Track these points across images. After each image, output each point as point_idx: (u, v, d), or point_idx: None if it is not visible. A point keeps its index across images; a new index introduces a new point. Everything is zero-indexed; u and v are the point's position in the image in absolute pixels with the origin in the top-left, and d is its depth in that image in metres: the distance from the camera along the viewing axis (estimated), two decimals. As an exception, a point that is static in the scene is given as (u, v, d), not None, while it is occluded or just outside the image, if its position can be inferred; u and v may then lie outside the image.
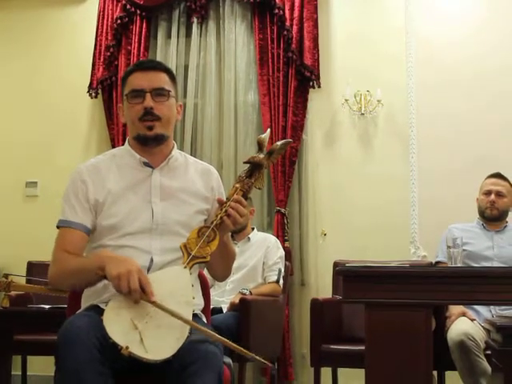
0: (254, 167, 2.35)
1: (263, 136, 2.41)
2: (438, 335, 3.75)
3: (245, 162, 2.38)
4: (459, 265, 3.23)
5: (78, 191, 2.40)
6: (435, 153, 5.27)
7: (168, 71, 2.50)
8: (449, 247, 3.28)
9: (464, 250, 3.53)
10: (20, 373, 4.93)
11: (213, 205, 2.47)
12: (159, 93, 2.42)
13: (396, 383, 2.87)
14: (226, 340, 2.07)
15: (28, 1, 6.24)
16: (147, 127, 2.39)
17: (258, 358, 2.08)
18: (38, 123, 6.06)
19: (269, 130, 2.61)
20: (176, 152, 2.52)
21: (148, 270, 2.30)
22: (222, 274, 2.59)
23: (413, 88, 5.37)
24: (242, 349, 2.07)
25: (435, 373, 3.88)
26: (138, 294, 2.06)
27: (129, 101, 2.42)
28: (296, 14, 5.50)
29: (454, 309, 4.00)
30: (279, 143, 2.43)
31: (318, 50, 5.50)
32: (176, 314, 2.03)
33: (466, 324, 3.86)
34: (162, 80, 2.45)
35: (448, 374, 4.02)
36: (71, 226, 2.37)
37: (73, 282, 2.34)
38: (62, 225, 2.39)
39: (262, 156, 2.36)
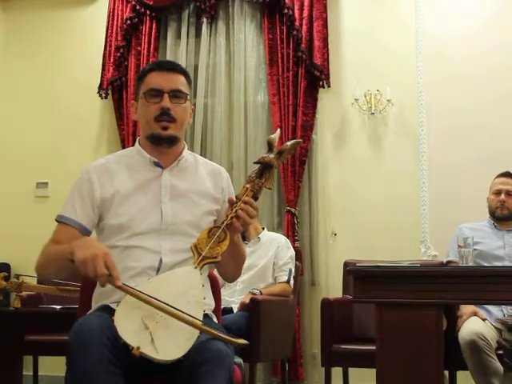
0: (264, 167, 2.34)
1: (273, 136, 2.41)
2: (450, 335, 3.73)
3: (255, 163, 2.37)
4: (470, 264, 3.22)
5: (82, 190, 2.41)
6: (445, 151, 5.26)
7: (186, 74, 2.51)
8: (460, 247, 3.27)
9: (475, 249, 3.52)
10: (31, 373, 4.94)
11: (222, 206, 2.47)
12: (177, 95, 2.43)
13: (407, 383, 2.86)
14: (212, 331, 2.05)
15: (38, 1, 6.27)
16: (162, 127, 2.40)
17: (234, 340, 2.07)
18: (48, 124, 6.09)
19: (279, 130, 2.62)
20: (186, 153, 2.53)
21: (157, 271, 2.31)
22: (232, 274, 2.59)
23: (423, 86, 5.36)
24: (230, 338, 2.07)
25: (446, 373, 3.87)
26: (104, 278, 2.06)
27: (146, 99, 2.43)
28: (305, 13, 5.50)
29: (466, 308, 3.98)
30: (289, 143, 2.42)
31: (327, 50, 5.50)
32: (160, 305, 2.02)
33: (478, 324, 3.85)
34: (181, 82, 2.46)
35: (459, 373, 4.00)
36: (67, 223, 2.38)
37: (52, 269, 2.34)
38: (60, 220, 2.40)
39: (271, 156, 2.36)
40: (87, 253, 2.08)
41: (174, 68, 2.50)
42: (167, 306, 2.02)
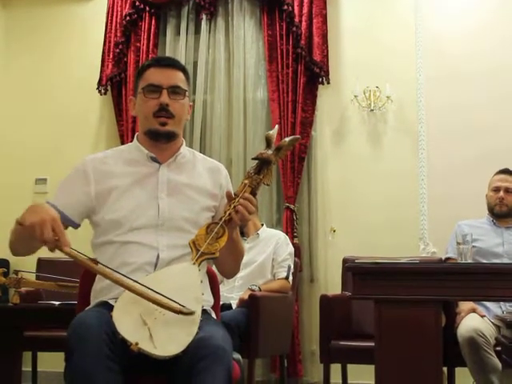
0: (263, 163, 2.35)
1: (271, 132, 2.42)
2: (448, 331, 3.73)
3: (253, 159, 2.38)
4: (469, 261, 3.22)
5: (76, 180, 2.42)
6: (445, 148, 5.26)
7: (184, 70, 2.52)
8: (459, 244, 3.27)
9: (474, 246, 3.52)
10: (30, 369, 4.95)
11: (221, 202, 2.47)
12: (176, 91, 2.44)
13: (405, 379, 2.87)
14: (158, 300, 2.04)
15: (37, -2, 6.27)
16: (160, 123, 2.40)
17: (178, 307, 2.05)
18: (47, 120, 6.08)
19: (277, 126, 2.61)
20: (184, 149, 2.53)
21: (155, 267, 2.31)
22: (230, 270, 2.59)
23: (422, 83, 5.36)
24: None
25: (445, 369, 3.87)
26: (51, 244, 2.06)
27: (145, 94, 2.43)
28: (305, 10, 5.49)
29: (464, 305, 3.99)
30: (287, 139, 2.43)
31: (327, 46, 5.50)
32: (128, 285, 2.03)
33: (476, 320, 3.85)
34: (179, 78, 2.47)
35: (458, 370, 4.01)
36: None
37: (15, 241, 2.34)
38: None
39: (270, 152, 2.36)
40: (35, 217, 2.07)
41: (173, 64, 2.50)
42: (128, 280, 2.02)
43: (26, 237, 2.20)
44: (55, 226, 2.07)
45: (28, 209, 2.16)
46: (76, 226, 2.42)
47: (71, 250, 2.06)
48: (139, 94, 2.47)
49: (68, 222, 2.38)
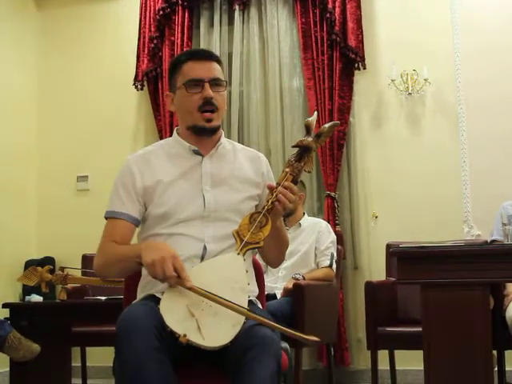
0: (303, 151, 2.33)
1: (310, 119, 2.40)
2: (497, 314, 3.69)
3: (293, 146, 2.36)
4: (515, 242, 3.18)
5: (125, 182, 2.42)
6: (485, 129, 5.17)
7: (220, 61, 2.51)
8: (504, 225, 3.24)
9: (520, 227, 3.46)
10: (80, 364, 5.01)
11: (263, 190, 2.46)
12: (217, 83, 2.42)
13: (455, 364, 2.84)
14: (277, 325, 2.06)
15: (71, -3, 6.32)
16: (206, 120, 2.40)
17: (310, 338, 2.07)
18: (85, 117, 6.14)
19: (316, 112, 2.59)
20: (224, 139, 2.53)
21: (202, 258, 2.31)
22: (275, 259, 2.58)
23: (459, 62, 5.27)
24: (300, 334, 2.06)
25: (495, 352, 3.82)
26: (172, 280, 2.08)
27: (187, 90, 2.41)
28: (338, -5, 5.45)
29: (512, 287, 3.93)
30: (327, 125, 2.41)
31: (361, 31, 5.44)
32: (219, 300, 2.04)
33: (525, 302, 3.79)
34: (218, 70, 2.46)
35: (508, 353, 3.96)
36: (117, 217, 2.38)
37: (116, 270, 2.39)
38: (109, 216, 2.41)
39: (310, 139, 2.35)
40: (155, 255, 2.10)
41: (210, 56, 2.49)
42: (234, 305, 2.03)
43: (130, 266, 2.30)
44: (175, 262, 2.10)
45: (145, 247, 2.20)
46: (139, 224, 2.45)
47: (193, 285, 2.08)
48: (179, 89, 2.44)
49: (135, 222, 2.41)
